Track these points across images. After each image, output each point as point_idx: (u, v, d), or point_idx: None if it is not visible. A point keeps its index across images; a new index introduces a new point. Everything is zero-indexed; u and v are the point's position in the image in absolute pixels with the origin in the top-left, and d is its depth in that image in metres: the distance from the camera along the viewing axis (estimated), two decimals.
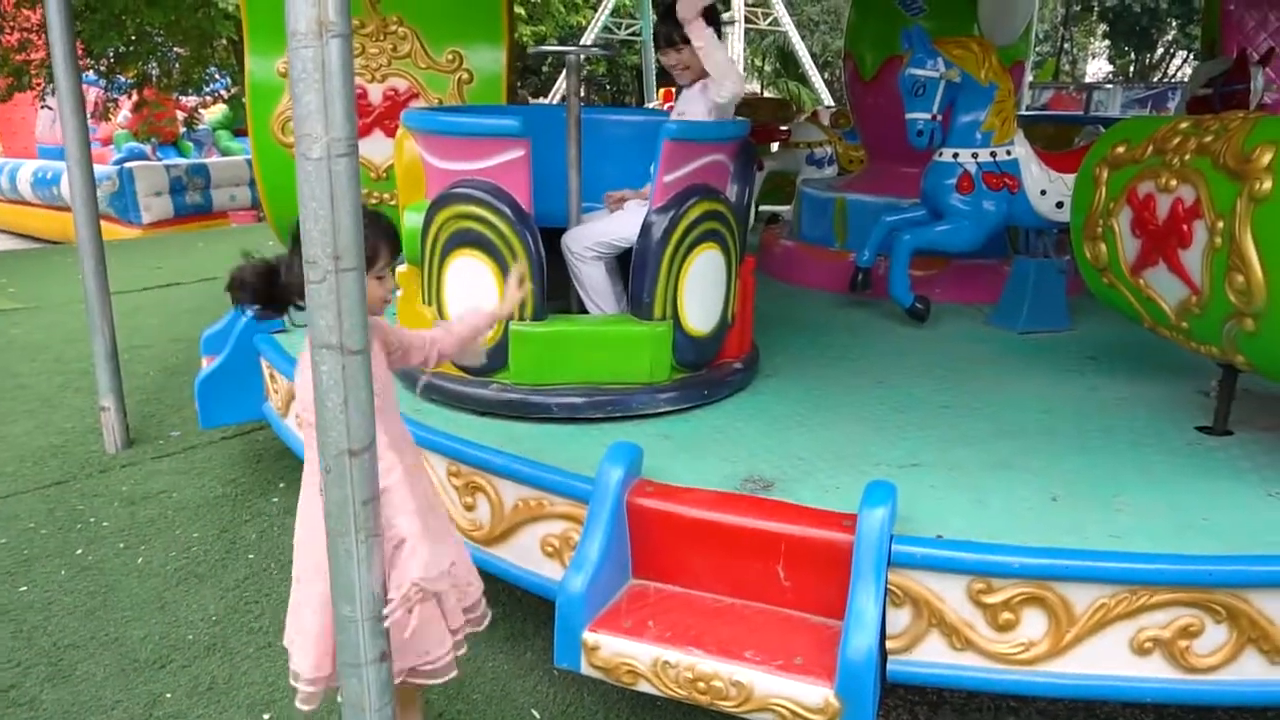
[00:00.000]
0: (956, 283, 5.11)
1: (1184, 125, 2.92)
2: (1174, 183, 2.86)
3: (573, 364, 3.16)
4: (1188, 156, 2.82)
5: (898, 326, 4.61)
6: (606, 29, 22.23)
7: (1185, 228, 2.80)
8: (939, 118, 4.30)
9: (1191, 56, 29.07)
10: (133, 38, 8.39)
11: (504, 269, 3.07)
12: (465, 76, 4.45)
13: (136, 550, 3.78)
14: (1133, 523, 2.42)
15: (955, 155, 4.35)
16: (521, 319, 3.13)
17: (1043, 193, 4.31)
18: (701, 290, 3.30)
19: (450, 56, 4.43)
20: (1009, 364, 4.01)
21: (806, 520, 2.36)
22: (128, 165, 13.30)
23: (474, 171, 3.09)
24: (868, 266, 4.70)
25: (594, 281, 3.40)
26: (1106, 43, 33.59)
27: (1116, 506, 2.52)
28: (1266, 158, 2.46)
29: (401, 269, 3.51)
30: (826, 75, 25.54)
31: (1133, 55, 31.82)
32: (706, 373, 3.43)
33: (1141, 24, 28.66)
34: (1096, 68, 40.26)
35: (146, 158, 13.75)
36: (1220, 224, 2.62)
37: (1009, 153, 4.34)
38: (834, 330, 4.55)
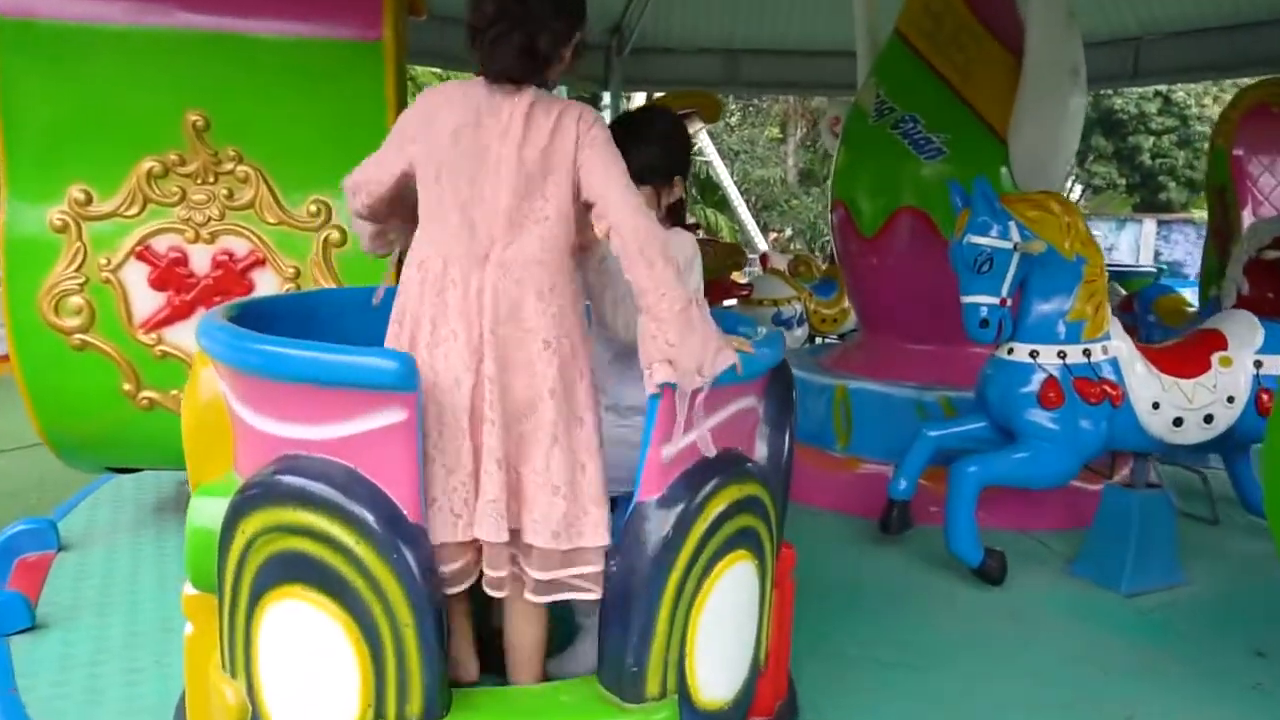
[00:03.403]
0: (1003, 502, 3.82)
1: None
2: None
3: None
4: None
5: (956, 583, 3.28)
6: None
7: None
8: (1009, 302, 3.09)
9: (1090, 191, 30.10)
10: None
11: (365, 626, 1.62)
12: (335, 236, 3.06)
13: None
14: None
15: (1034, 354, 3.12)
16: (400, 717, 1.65)
17: (1155, 405, 3.10)
18: (726, 633, 1.92)
19: (313, 207, 3.04)
20: (1154, 672, 2.71)
21: None
22: None
23: (318, 444, 1.66)
24: (906, 499, 3.38)
25: None
26: None
27: None
28: None
29: (189, 593, 1.99)
30: (750, 199, 25.20)
31: None
32: None
33: None
34: None
35: None
36: None
37: (1105, 350, 3.14)
38: (869, 600, 3.17)
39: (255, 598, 1.71)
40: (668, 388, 1.69)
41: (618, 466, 2.21)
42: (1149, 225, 24.99)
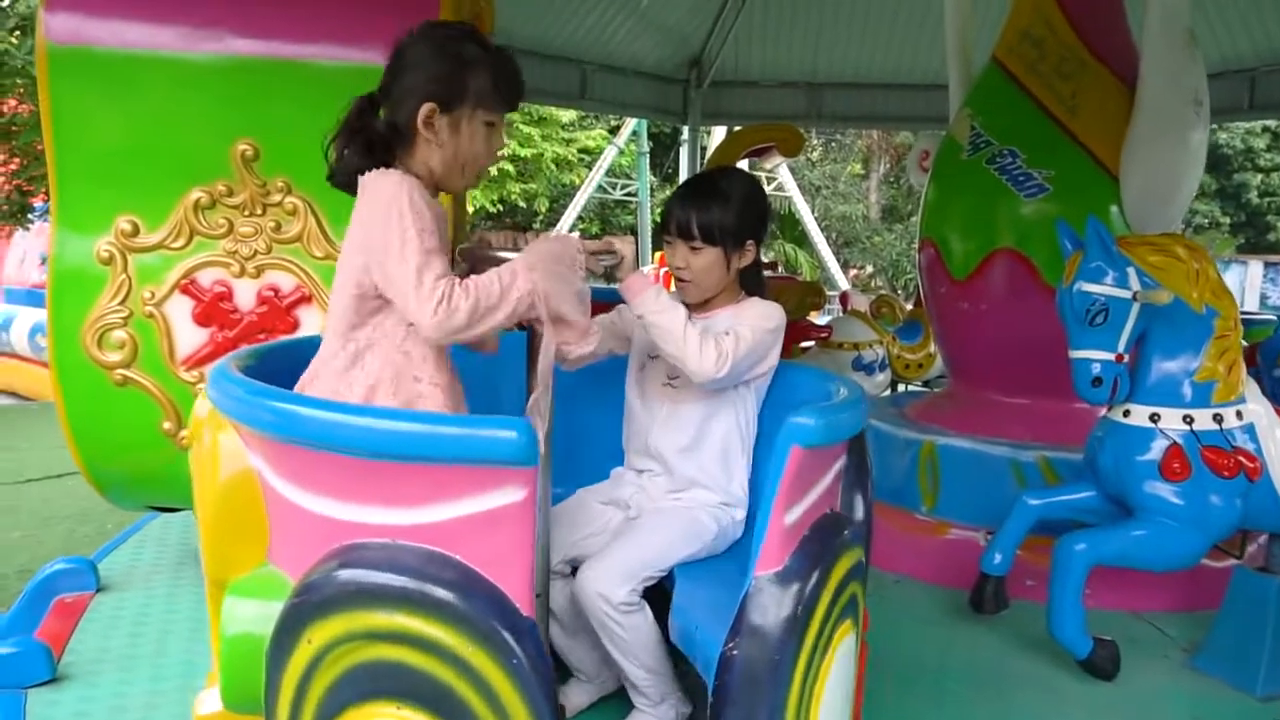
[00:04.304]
0: (1108, 579, 3.39)
1: None
2: None
3: None
4: None
5: (1059, 673, 2.89)
6: (601, 189, 21.43)
7: None
8: (1125, 358, 2.73)
9: (1190, 230, 28.73)
10: None
11: None
12: None
13: None
14: None
15: (1155, 417, 2.75)
16: None
17: None
18: (837, 712, 1.75)
19: None
20: None
21: None
22: None
23: (408, 530, 1.42)
24: (1001, 574, 3.02)
25: (640, 636, 1.93)
26: None
27: None
28: None
29: (207, 711, 1.77)
30: (830, 236, 24.80)
31: None
32: None
33: None
34: None
35: None
36: None
37: (1240, 415, 2.75)
38: (958, 688, 2.82)
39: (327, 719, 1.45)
40: (796, 447, 1.55)
41: (681, 540, 2.01)
42: (1255, 267, 23.68)
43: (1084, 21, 3.87)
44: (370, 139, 1.68)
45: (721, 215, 2.02)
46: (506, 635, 1.36)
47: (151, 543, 3.72)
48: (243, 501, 1.66)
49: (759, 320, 2.00)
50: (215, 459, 1.70)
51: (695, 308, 2.11)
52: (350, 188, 1.72)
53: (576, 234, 2.04)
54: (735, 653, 1.57)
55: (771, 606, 1.57)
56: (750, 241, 2.08)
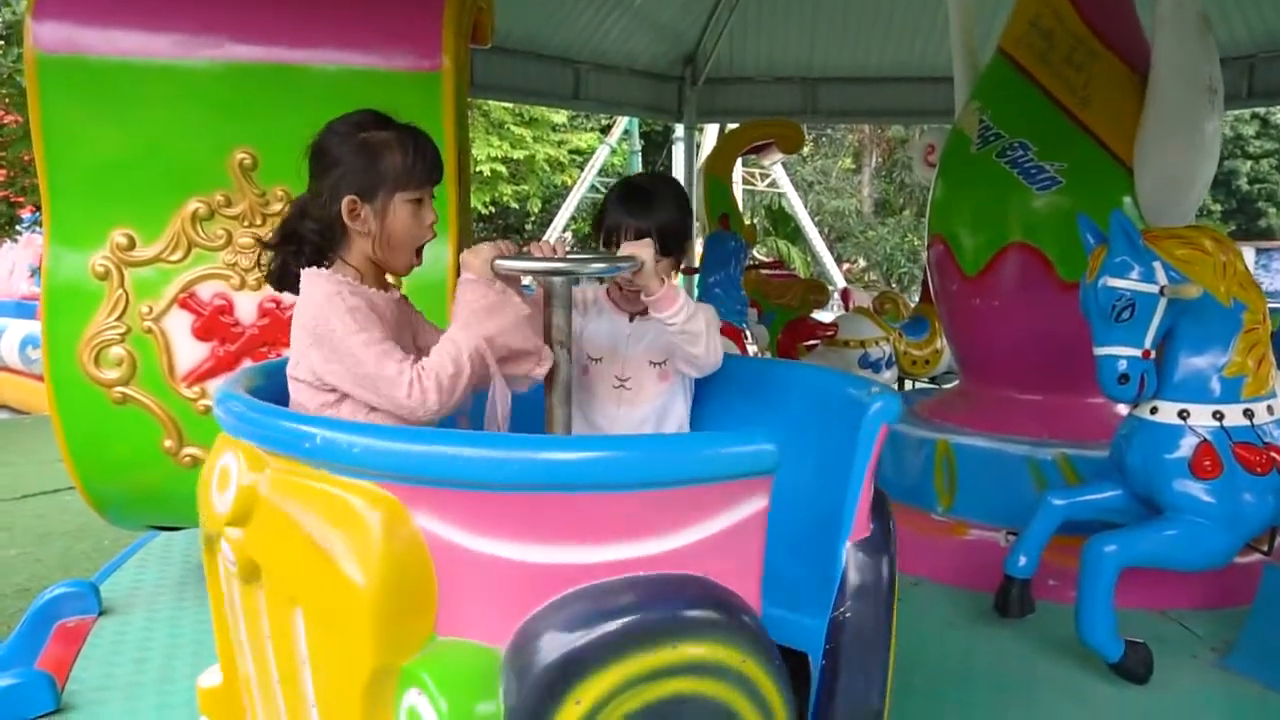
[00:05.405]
0: (1133, 577, 3.34)
1: None
2: None
3: None
4: None
5: (1088, 676, 2.83)
6: (594, 188, 21.34)
7: None
8: (1152, 354, 2.67)
9: None
10: None
11: None
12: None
13: None
14: None
15: (1183, 414, 2.68)
16: None
17: None
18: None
19: None
20: None
21: None
22: None
23: (651, 560, 1.37)
24: (1027, 577, 2.96)
25: None
26: None
27: None
28: None
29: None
30: (824, 231, 24.75)
31: None
32: None
33: None
34: None
35: None
36: None
37: (1271, 410, 2.68)
38: (985, 695, 2.75)
39: None
40: (885, 424, 1.70)
41: None
42: (1247, 253, 23.69)
43: (1092, 10, 3.81)
44: (301, 240, 1.73)
45: (672, 224, 2.02)
46: (763, 641, 1.41)
47: (154, 562, 3.64)
48: (415, 572, 1.39)
49: (712, 316, 2.05)
50: (365, 529, 1.38)
51: (643, 311, 2.08)
52: (294, 288, 1.75)
53: (489, 244, 1.97)
54: (847, 615, 1.66)
55: (870, 570, 1.68)
56: (686, 242, 2.12)
